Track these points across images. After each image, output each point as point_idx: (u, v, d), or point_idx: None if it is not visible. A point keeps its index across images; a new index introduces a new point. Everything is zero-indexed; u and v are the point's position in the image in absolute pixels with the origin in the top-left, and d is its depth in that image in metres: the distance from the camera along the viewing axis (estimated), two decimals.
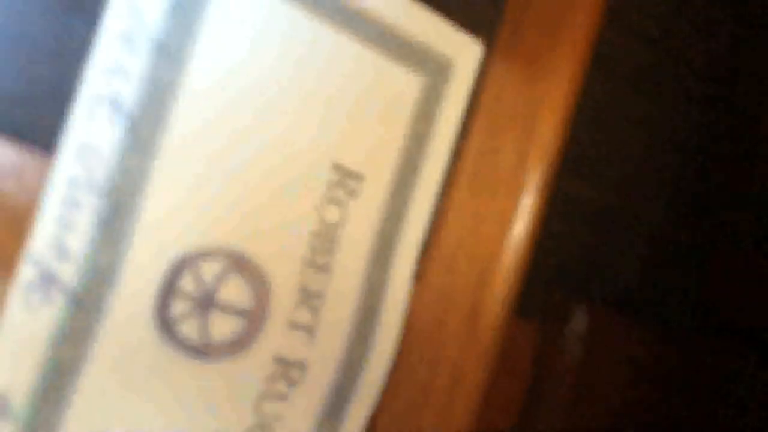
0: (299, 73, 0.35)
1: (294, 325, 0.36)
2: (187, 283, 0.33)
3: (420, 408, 0.38)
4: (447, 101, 0.40)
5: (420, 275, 0.41)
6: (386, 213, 0.39)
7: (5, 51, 0.29)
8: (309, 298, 0.36)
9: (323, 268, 0.37)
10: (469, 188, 0.40)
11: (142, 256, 0.31)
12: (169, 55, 0.31)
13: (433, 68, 0.39)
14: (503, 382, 0.45)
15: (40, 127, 0.30)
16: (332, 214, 0.37)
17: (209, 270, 0.33)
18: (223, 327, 0.34)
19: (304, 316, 0.36)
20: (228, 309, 0.34)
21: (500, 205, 0.39)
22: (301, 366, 0.37)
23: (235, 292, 0.34)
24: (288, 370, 0.36)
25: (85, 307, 0.30)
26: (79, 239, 0.30)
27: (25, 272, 0.29)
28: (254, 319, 0.35)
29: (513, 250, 0.38)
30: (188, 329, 0.33)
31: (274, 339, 0.36)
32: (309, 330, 0.37)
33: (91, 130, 0.30)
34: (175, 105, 0.32)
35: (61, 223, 0.29)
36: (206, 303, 0.33)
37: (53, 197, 0.29)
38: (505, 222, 0.38)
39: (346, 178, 0.37)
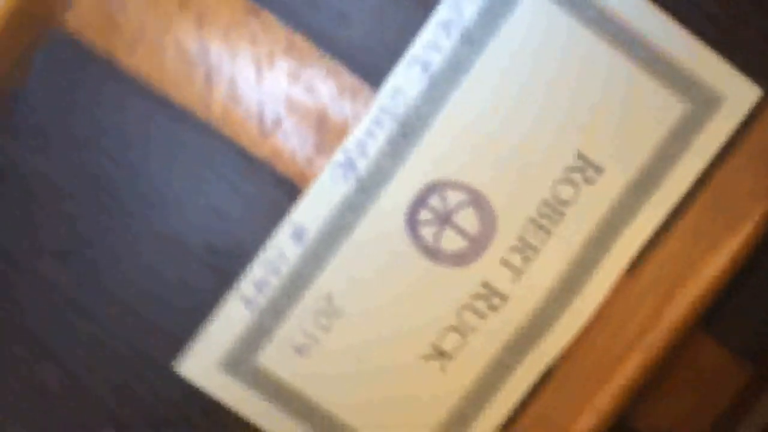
0: (568, 74, 0.44)
1: (506, 264, 0.46)
2: (434, 201, 0.45)
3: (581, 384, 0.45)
4: (708, 133, 0.45)
5: (634, 270, 0.46)
6: (617, 207, 0.46)
7: (366, 17, 0.45)
8: (525, 248, 0.46)
9: (544, 230, 0.46)
10: (701, 209, 0.44)
11: (410, 170, 0.45)
12: (472, 42, 0.44)
13: (699, 98, 0.45)
14: (696, 406, 0.47)
15: (376, 70, 0.45)
16: (566, 192, 0.46)
17: (453, 197, 0.45)
18: (451, 242, 0.46)
19: (516, 260, 0.46)
20: (458, 229, 0.45)
21: (719, 229, 0.42)
22: (503, 297, 0.46)
23: (467, 219, 0.45)
24: (491, 296, 0.46)
25: (364, 192, 0.45)
26: (375, 145, 0.45)
27: (337, 156, 0.45)
28: (476, 245, 0.46)
29: (711, 269, 0.41)
30: (427, 233, 0.46)
31: (487, 268, 0.46)
32: (517, 272, 0.46)
33: (405, 79, 0.44)
34: (468, 75, 0.45)
35: (367, 132, 0.45)
36: (444, 219, 0.45)
37: (368, 115, 0.45)
38: (715, 244, 0.42)
39: (587, 167, 0.45)
